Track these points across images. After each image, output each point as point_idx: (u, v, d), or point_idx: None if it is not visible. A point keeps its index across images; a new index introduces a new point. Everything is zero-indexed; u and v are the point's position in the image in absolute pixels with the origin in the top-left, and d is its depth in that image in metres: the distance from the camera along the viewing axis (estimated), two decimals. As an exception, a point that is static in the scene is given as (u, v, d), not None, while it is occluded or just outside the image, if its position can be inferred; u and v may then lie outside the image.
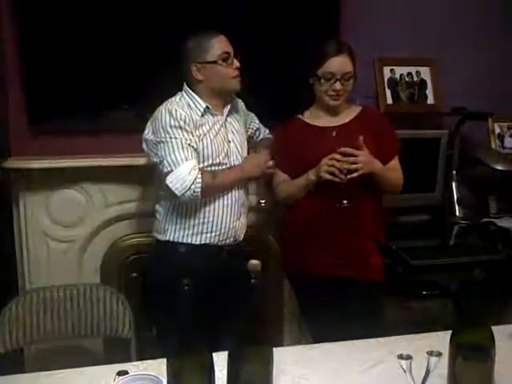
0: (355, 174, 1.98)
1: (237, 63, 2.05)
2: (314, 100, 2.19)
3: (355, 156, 1.98)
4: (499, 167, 2.79)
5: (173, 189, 1.94)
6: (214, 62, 2.01)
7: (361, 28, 2.66)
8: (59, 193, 2.46)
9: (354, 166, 1.98)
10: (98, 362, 1.54)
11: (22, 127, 2.42)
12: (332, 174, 1.98)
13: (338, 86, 2.07)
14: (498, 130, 3.01)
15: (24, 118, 2.41)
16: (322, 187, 2.05)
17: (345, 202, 2.00)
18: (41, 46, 2.33)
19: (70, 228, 2.50)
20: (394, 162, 2.20)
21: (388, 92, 2.76)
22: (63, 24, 2.33)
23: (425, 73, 2.82)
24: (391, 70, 2.78)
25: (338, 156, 1.98)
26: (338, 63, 2.06)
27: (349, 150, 1.99)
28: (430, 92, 2.82)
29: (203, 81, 2.04)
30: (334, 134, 2.09)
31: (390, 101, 2.76)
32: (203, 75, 2.03)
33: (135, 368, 1.45)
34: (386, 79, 2.77)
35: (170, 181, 1.94)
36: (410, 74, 2.80)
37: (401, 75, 2.79)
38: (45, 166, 2.37)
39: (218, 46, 2.02)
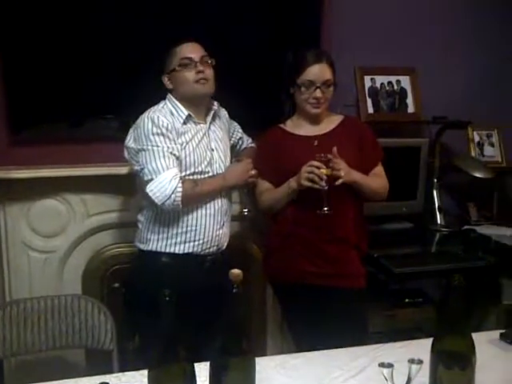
0: (339, 181, 1.98)
1: (200, 67, 2.02)
2: (296, 109, 2.20)
3: (336, 162, 1.98)
4: (479, 175, 2.82)
5: (153, 197, 1.94)
6: (173, 70, 2.04)
7: (341, 37, 2.68)
8: (39, 203, 2.44)
9: (335, 172, 1.98)
10: (80, 374, 1.52)
11: (3, 137, 2.39)
12: (312, 181, 1.98)
13: (318, 93, 2.08)
14: (477, 139, 3.05)
15: (4, 128, 2.38)
16: (303, 196, 2.05)
17: (325, 209, 2.01)
18: (22, 55, 2.31)
19: (50, 238, 2.48)
20: (379, 169, 2.22)
21: (369, 101, 2.77)
22: (45, 33, 2.32)
23: (405, 82, 2.84)
24: (372, 79, 2.80)
25: (316, 163, 1.98)
26: (317, 71, 2.08)
27: (329, 155, 1.98)
28: (410, 101, 2.84)
29: (174, 89, 2.07)
30: (315, 143, 2.11)
31: (370, 110, 2.78)
32: (172, 84, 2.07)
33: (117, 380, 1.43)
34: (366, 88, 2.78)
35: (151, 189, 1.94)
36: (390, 82, 2.83)
37: (381, 84, 2.81)
38: (25, 176, 2.35)
39: (179, 53, 2.04)
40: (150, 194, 1.94)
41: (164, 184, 1.92)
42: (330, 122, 2.19)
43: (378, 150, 2.23)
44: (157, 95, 2.11)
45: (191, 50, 2.04)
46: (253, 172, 2.14)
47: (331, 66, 2.11)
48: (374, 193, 2.17)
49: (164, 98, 2.10)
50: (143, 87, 2.29)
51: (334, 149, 1.99)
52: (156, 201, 1.94)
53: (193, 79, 2.03)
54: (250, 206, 2.31)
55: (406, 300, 2.77)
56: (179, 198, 1.93)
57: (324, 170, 1.97)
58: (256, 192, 2.22)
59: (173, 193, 1.92)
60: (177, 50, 2.04)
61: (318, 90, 2.08)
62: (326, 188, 1.98)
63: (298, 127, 2.20)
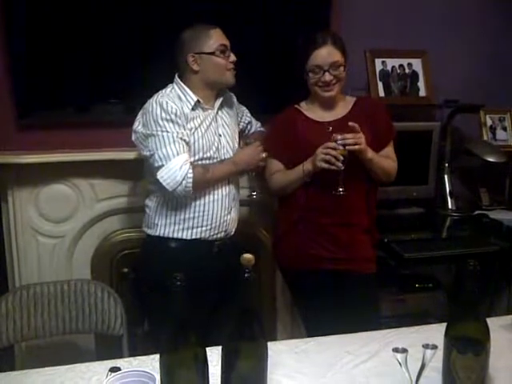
0: (356, 147, 1.97)
1: (233, 57, 2.04)
2: (310, 93, 2.18)
3: (359, 136, 1.98)
4: (491, 159, 2.79)
5: (164, 184, 1.93)
6: (212, 53, 2.00)
7: (352, 20, 2.64)
8: (48, 188, 2.44)
9: (351, 140, 1.96)
10: (90, 359, 1.53)
11: (9, 122, 2.38)
12: (328, 162, 1.96)
13: (327, 77, 2.06)
14: (489, 122, 3.01)
15: (12, 113, 2.37)
16: (316, 179, 2.04)
17: (341, 189, 2.00)
18: (28, 40, 2.29)
19: (59, 223, 2.48)
20: (389, 149, 2.19)
21: (380, 84, 2.74)
22: (50, 17, 2.29)
23: (416, 65, 2.81)
24: (383, 62, 2.76)
25: (332, 144, 1.97)
26: (323, 54, 2.05)
27: (346, 134, 1.97)
28: (421, 84, 2.81)
29: (199, 72, 2.03)
30: (329, 129, 2.08)
31: (381, 93, 2.75)
32: (200, 66, 2.02)
33: (128, 364, 1.44)
34: (377, 71, 2.75)
35: (161, 176, 1.93)
36: (401, 66, 2.79)
37: (392, 67, 2.78)
38: (33, 161, 2.34)
39: (216, 37, 2.02)
40: (161, 180, 1.93)
41: (175, 170, 1.91)
42: (344, 107, 2.17)
43: (391, 129, 2.21)
44: (163, 79, 2.09)
45: (224, 38, 2.04)
46: (262, 155, 2.12)
47: (338, 46, 2.08)
48: (385, 173, 2.15)
49: (170, 82, 2.08)
50: (149, 72, 2.29)
51: (355, 126, 1.98)
52: (167, 187, 1.93)
53: (227, 67, 2.03)
54: (258, 189, 2.30)
55: (416, 285, 2.77)
56: (190, 184, 1.92)
57: (340, 151, 1.96)
58: (266, 172, 2.20)
59: (184, 179, 1.91)
60: (211, 34, 2.01)
61: (326, 74, 2.05)
62: (343, 168, 1.96)
63: (312, 111, 2.17)
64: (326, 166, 1.97)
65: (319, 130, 2.08)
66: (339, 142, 1.96)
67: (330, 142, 1.97)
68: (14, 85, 2.34)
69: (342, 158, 1.95)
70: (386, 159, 2.16)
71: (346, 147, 1.96)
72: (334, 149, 1.96)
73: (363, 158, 2.03)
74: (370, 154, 2.05)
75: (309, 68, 2.07)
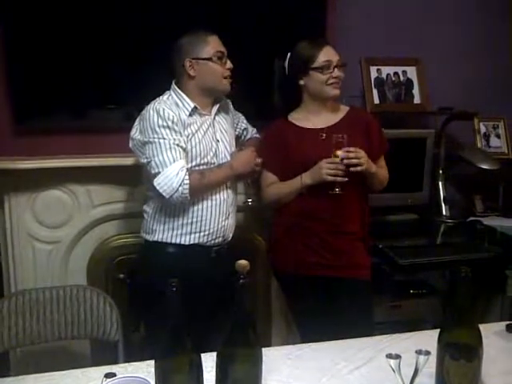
0: (359, 169, 2.00)
1: (230, 64, 2.05)
2: (301, 102, 2.19)
3: (358, 152, 2.00)
4: (485, 166, 2.80)
5: (161, 191, 1.93)
6: (209, 59, 2.01)
7: (347, 28, 2.66)
8: (44, 194, 2.43)
9: (355, 161, 1.99)
10: (86, 365, 1.53)
11: (6, 127, 2.38)
12: (333, 175, 1.99)
13: (337, 72, 2.08)
14: (483, 130, 3.03)
15: (9, 118, 2.38)
16: (311, 189, 2.06)
17: (337, 189, 2.02)
18: (25, 45, 2.30)
19: (55, 229, 2.48)
20: (381, 161, 2.22)
21: (375, 92, 2.76)
22: (48, 22, 2.31)
23: (411, 72, 2.83)
24: (378, 70, 2.78)
25: (338, 159, 1.99)
26: (331, 51, 2.10)
27: (351, 148, 1.99)
28: (416, 92, 2.83)
29: (195, 77, 2.04)
30: (323, 136, 2.10)
31: (376, 100, 2.77)
32: (196, 71, 2.03)
33: (123, 370, 1.44)
34: (372, 79, 2.77)
35: (158, 183, 1.94)
36: (396, 73, 2.81)
37: (387, 75, 2.80)
38: (30, 167, 2.34)
39: (214, 44, 2.03)
40: (158, 187, 1.94)
41: (171, 177, 1.92)
42: (337, 114, 2.18)
43: (384, 141, 2.23)
44: (160, 85, 2.10)
45: (221, 45, 2.05)
46: (258, 160, 2.14)
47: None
48: (381, 183, 2.19)
49: (168, 89, 2.09)
50: (146, 77, 2.29)
51: (357, 150, 2.01)
52: (164, 194, 1.93)
53: (224, 74, 2.04)
54: (253, 196, 2.31)
55: (411, 291, 2.77)
56: (186, 191, 1.93)
57: (339, 152, 1.99)
58: (261, 185, 2.22)
59: (180, 185, 1.92)
60: (208, 40, 2.02)
61: (336, 69, 2.08)
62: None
63: (304, 120, 2.18)
64: (332, 178, 2.00)
65: (312, 138, 2.10)
66: (342, 160, 2.00)
67: (332, 140, 1.99)
68: (11, 90, 2.35)
69: (347, 169, 1.99)
70: (381, 170, 2.19)
71: (351, 169, 2.00)
72: (342, 159, 1.99)
73: (367, 173, 2.06)
74: (374, 168, 2.08)
75: (318, 65, 2.08)
